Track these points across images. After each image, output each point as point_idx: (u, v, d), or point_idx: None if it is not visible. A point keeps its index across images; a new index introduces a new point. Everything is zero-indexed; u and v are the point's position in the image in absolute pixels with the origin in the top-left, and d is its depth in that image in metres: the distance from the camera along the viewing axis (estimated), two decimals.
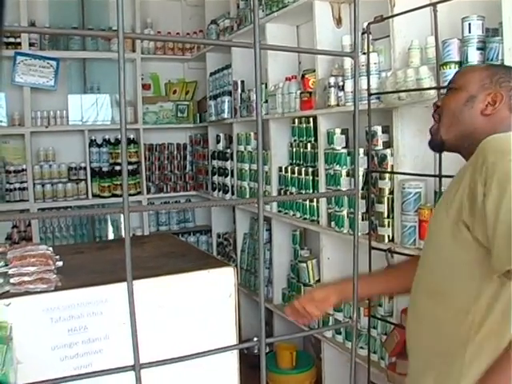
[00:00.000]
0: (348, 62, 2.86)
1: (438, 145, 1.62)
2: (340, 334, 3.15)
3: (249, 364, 2.89)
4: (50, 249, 1.98)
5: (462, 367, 1.43)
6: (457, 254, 1.43)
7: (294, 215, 3.57)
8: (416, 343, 1.61)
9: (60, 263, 1.94)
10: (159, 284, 1.86)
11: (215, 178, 4.80)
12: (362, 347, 2.94)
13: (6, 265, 1.84)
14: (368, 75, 2.62)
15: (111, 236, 5.27)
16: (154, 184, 5.36)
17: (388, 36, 2.65)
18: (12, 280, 1.78)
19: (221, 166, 4.68)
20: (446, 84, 2.19)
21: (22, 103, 4.76)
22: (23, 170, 4.80)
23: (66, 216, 0.67)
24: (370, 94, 2.60)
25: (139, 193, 5.18)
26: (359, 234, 2.78)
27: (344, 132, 3.06)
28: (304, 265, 3.49)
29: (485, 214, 1.30)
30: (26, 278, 1.79)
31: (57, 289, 1.80)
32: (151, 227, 5.36)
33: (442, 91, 2.20)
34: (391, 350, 2.58)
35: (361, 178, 2.80)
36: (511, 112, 1.51)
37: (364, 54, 2.70)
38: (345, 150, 2.99)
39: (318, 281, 3.41)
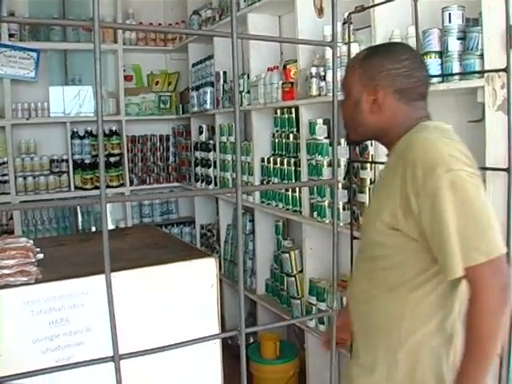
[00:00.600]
0: (329, 53, 2.86)
1: (351, 143, 1.65)
2: (323, 323, 3.16)
3: (233, 354, 2.90)
4: (31, 241, 1.97)
5: (399, 339, 1.52)
6: (392, 248, 1.51)
7: (276, 206, 3.57)
8: (358, 323, 1.70)
9: (41, 256, 1.93)
10: (141, 275, 1.85)
11: (198, 169, 4.80)
12: None
13: None
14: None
15: (94, 228, 5.25)
16: (136, 176, 5.34)
17: (369, 26, 2.65)
18: None
19: (203, 157, 4.67)
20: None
21: (3, 95, 4.70)
22: (4, 163, 4.75)
23: (43, 207, 0.67)
24: None
25: (122, 185, 5.15)
26: (341, 224, 2.80)
27: (326, 122, 3.06)
28: (287, 255, 3.50)
29: (422, 225, 1.40)
30: (5, 271, 1.78)
31: (37, 281, 1.79)
32: (134, 219, 5.34)
33: None
34: None
35: (342, 168, 2.81)
36: (400, 95, 1.53)
37: (345, 44, 2.70)
38: (327, 140, 3.00)
39: (301, 271, 3.42)
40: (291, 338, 4.00)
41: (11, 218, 4.84)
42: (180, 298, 1.91)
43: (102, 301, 1.77)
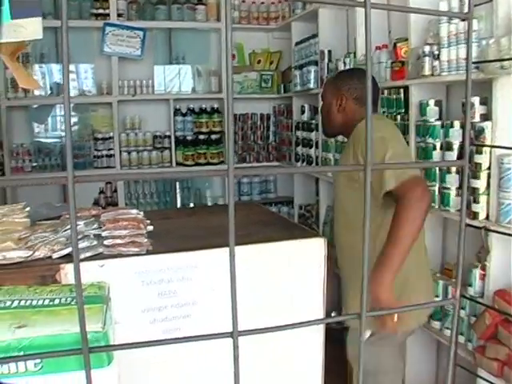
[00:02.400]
0: (444, 30, 2.71)
1: (326, 135, 2.74)
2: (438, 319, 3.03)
3: (326, 338, 2.85)
4: (141, 213, 2.00)
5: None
6: (355, 199, 2.12)
7: None
8: (342, 268, 2.37)
9: (150, 228, 1.96)
10: (249, 252, 1.84)
11: (299, 148, 4.74)
12: (447, 328, 2.84)
13: (100, 227, 1.87)
14: (469, 43, 2.48)
15: (192, 204, 5.34)
16: (236, 154, 5.35)
17: (490, 1, 2.50)
18: (105, 242, 1.81)
19: (305, 137, 4.61)
20: None
21: (110, 72, 4.87)
22: (110, 138, 4.93)
23: (171, 177, 0.65)
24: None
25: (222, 162, 5.19)
26: (452, 210, 2.68)
27: (437, 103, 2.92)
28: None
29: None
30: (118, 241, 1.82)
31: (148, 253, 1.82)
32: None
33: None
34: (481, 333, 2.48)
35: (455, 151, 2.68)
36: (357, 101, 2.34)
37: (462, 20, 2.56)
38: (438, 123, 2.85)
39: None
40: None
41: (115, 191, 5.02)
42: (287, 277, 1.89)
43: (211, 275, 1.77)
